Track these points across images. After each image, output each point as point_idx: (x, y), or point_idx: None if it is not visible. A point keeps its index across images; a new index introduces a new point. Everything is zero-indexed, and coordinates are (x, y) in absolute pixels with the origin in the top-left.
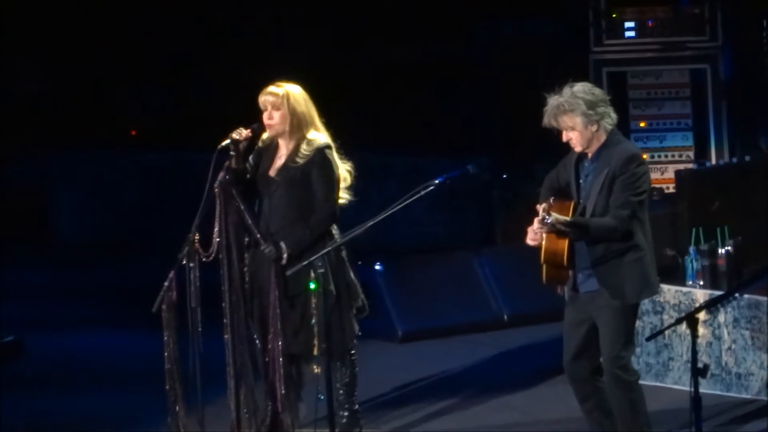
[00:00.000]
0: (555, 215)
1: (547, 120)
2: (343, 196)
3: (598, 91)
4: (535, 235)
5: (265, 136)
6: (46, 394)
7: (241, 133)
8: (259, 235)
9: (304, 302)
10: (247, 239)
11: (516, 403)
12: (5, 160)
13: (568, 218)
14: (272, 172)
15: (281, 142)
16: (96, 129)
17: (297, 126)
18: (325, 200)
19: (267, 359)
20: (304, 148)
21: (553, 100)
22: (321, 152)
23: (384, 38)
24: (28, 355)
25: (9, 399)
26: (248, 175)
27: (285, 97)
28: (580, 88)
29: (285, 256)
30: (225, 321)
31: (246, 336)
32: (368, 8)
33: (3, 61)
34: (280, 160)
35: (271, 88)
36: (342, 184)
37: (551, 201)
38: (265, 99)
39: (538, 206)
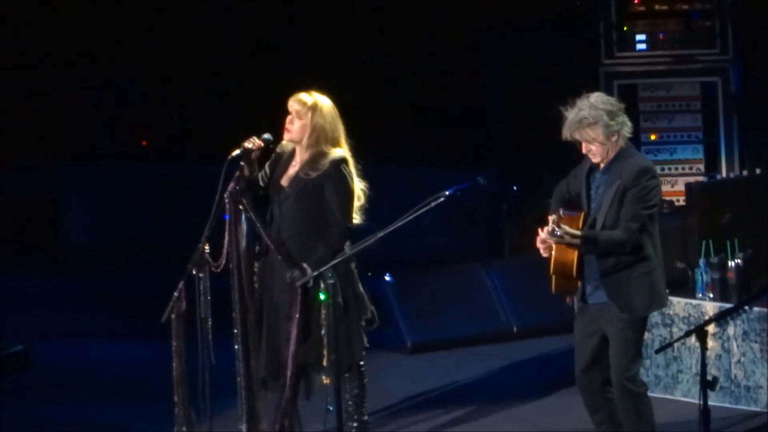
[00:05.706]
0: (565, 228)
1: (568, 133)
2: (355, 217)
3: (613, 100)
4: (543, 245)
5: (284, 141)
6: (54, 404)
7: (254, 142)
8: (281, 257)
9: (316, 312)
10: (258, 248)
11: (525, 415)
12: (15, 168)
13: (577, 232)
14: (284, 181)
15: (297, 151)
16: (108, 138)
17: (315, 140)
18: (341, 213)
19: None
20: (320, 162)
21: (572, 114)
22: (336, 165)
23: (394, 50)
24: (36, 364)
25: (16, 408)
26: (261, 183)
27: (311, 108)
28: (598, 98)
29: (311, 280)
30: (235, 331)
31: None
32: (379, 20)
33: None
34: (293, 170)
35: (301, 95)
36: (356, 203)
37: (561, 213)
38: (292, 105)
39: (549, 217)
